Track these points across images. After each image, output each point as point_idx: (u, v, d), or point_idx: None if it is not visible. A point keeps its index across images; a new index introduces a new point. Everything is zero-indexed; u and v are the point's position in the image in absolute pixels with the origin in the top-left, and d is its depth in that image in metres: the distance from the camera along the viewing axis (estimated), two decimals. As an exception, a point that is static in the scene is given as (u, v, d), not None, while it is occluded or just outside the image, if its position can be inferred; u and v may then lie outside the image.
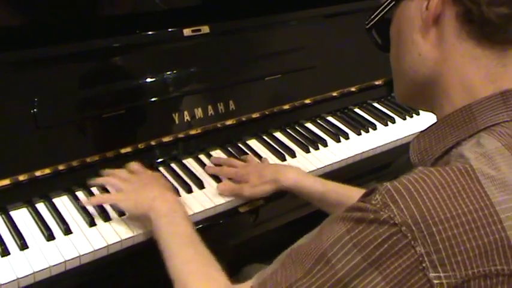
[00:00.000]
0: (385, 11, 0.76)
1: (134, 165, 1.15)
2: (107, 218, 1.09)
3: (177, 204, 1.02)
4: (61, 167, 1.14)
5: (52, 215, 1.08)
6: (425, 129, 0.75)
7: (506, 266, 0.61)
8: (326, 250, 0.66)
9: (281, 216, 1.34)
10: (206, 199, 1.18)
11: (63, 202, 1.12)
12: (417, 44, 0.71)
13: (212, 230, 1.16)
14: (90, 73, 1.18)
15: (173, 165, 1.26)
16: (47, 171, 1.13)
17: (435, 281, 0.60)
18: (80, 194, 1.14)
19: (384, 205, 0.63)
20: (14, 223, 1.05)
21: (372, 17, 0.78)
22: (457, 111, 0.70)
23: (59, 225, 1.06)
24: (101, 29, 1.17)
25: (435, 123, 0.74)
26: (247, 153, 1.34)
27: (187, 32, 1.26)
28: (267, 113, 1.42)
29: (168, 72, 1.25)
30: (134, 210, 1.04)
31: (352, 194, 1.09)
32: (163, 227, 0.96)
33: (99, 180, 1.13)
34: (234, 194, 1.19)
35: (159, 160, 1.26)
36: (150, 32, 1.22)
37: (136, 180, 1.10)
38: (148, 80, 1.24)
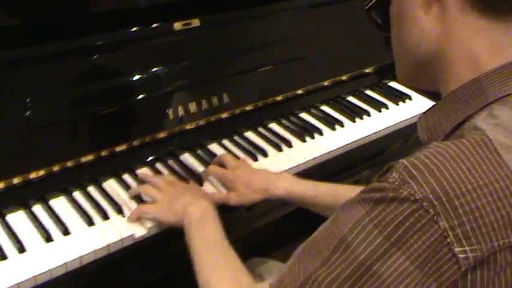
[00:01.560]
0: None
1: (169, 177, 1.16)
2: (105, 217, 1.07)
3: (209, 210, 1.00)
4: (55, 168, 1.12)
5: (49, 216, 1.06)
6: (432, 107, 0.75)
7: None
8: (345, 236, 0.64)
9: (278, 208, 1.31)
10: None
11: (60, 203, 1.10)
12: (419, 20, 0.70)
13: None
14: (82, 71, 1.15)
15: (170, 161, 1.25)
16: (42, 172, 1.10)
17: (460, 256, 0.59)
18: (77, 194, 1.12)
19: (403, 182, 0.61)
20: (11, 227, 1.03)
21: None
22: (465, 86, 0.69)
23: (57, 226, 1.04)
24: (92, 25, 1.14)
25: (442, 99, 0.73)
26: (243, 146, 1.32)
27: (177, 26, 1.24)
28: (260, 104, 1.41)
29: (160, 68, 1.24)
30: (169, 219, 1.03)
31: (345, 193, 1.05)
32: (194, 232, 0.95)
33: (137, 189, 1.12)
34: (221, 203, 1.14)
35: (155, 157, 1.24)
36: (140, 27, 1.20)
37: (170, 190, 1.08)
38: (141, 76, 1.21)
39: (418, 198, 0.60)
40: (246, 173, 1.18)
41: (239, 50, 1.37)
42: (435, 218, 0.59)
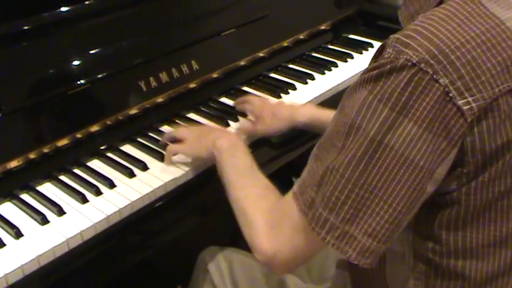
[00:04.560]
0: None
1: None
2: (98, 192, 1.04)
3: (237, 141, 1.04)
4: (32, 156, 1.07)
5: (40, 201, 1.02)
6: None
7: None
8: (353, 119, 0.65)
9: (276, 160, 1.30)
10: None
11: (47, 188, 1.06)
12: None
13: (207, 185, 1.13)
14: (47, 50, 1.12)
15: (151, 134, 1.22)
16: (21, 161, 1.06)
17: (465, 108, 0.61)
18: (64, 178, 1.08)
19: (398, 53, 0.63)
20: (2, 217, 0.98)
21: None
22: None
23: (49, 208, 1.00)
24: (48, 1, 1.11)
25: None
26: (222, 110, 1.31)
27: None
28: (229, 69, 1.40)
29: (125, 40, 1.21)
30: (202, 153, 1.07)
31: None
32: (225, 161, 0.98)
33: (168, 135, 1.16)
34: (248, 133, 1.20)
35: (132, 132, 1.21)
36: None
37: (197, 129, 1.15)
38: (109, 50, 1.19)
39: (414, 62, 0.61)
40: (271, 105, 1.24)
41: (200, 16, 1.36)
42: (434, 76, 0.61)
